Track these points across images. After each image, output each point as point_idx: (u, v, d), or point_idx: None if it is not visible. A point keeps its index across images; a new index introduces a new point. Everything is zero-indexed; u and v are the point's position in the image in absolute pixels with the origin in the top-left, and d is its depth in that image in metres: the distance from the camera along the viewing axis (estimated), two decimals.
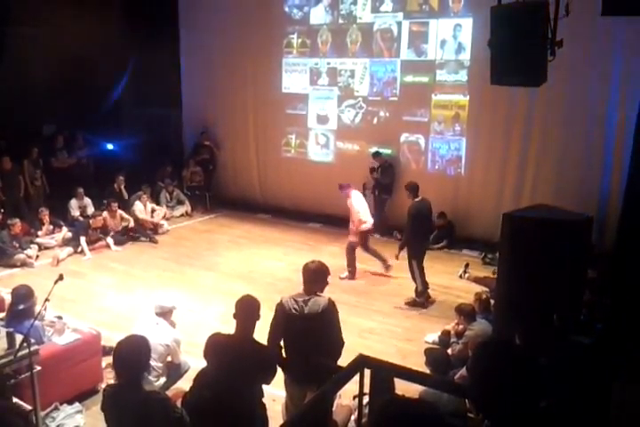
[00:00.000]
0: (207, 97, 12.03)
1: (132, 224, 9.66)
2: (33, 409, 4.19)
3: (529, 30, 4.04)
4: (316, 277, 3.96)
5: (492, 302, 5.84)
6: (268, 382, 3.59)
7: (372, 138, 10.26)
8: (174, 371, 4.76)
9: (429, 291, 7.25)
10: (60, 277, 4.09)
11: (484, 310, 5.78)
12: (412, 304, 7.13)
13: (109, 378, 4.97)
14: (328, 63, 10.59)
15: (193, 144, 12.29)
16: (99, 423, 3.71)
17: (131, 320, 5.64)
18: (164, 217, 10.54)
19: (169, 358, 4.74)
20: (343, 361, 3.93)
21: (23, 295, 4.79)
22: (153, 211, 10.33)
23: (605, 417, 3.53)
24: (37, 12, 9.78)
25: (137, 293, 7.35)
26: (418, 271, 7.16)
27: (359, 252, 8.00)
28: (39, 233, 9.18)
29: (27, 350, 4.05)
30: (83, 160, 10.98)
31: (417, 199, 7.22)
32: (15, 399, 4.34)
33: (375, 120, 10.26)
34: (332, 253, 9.02)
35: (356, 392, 3.53)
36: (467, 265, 8.12)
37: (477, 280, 7.78)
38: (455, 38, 9.26)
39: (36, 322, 4.39)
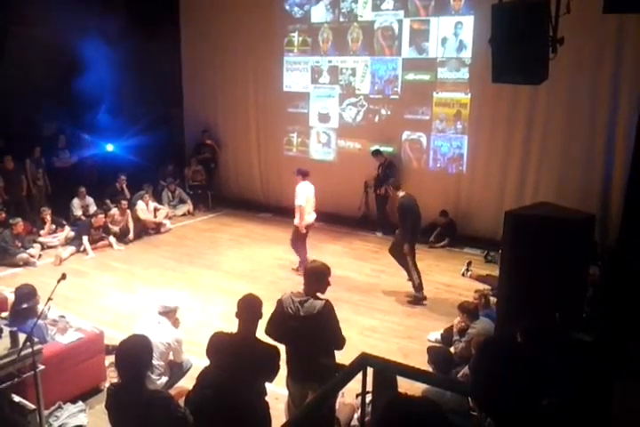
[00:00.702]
0: (208, 96, 12.03)
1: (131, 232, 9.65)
2: (36, 408, 4.20)
3: (530, 28, 4.03)
4: (315, 277, 3.92)
5: (495, 299, 5.85)
6: (270, 381, 3.60)
7: (373, 136, 10.26)
8: (177, 370, 4.77)
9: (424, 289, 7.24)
10: (63, 277, 4.10)
11: (485, 306, 5.80)
12: (415, 301, 7.13)
13: (112, 377, 4.97)
14: (329, 61, 10.59)
15: (194, 143, 12.31)
16: (102, 422, 3.72)
17: (133, 319, 5.65)
18: (167, 216, 10.55)
19: (171, 357, 4.75)
20: (346, 360, 3.94)
21: (26, 294, 4.81)
22: (155, 210, 10.34)
23: (606, 416, 3.53)
24: (39, 11, 9.77)
25: (139, 292, 7.36)
26: (412, 266, 7.17)
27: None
28: (41, 232, 9.20)
29: (30, 349, 4.07)
30: (84, 160, 10.99)
31: (401, 194, 7.25)
32: (19, 398, 4.36)
33: (377, 118, 10.26)
34: (333, 252, 9.04)
35: (359, 391, 3.54)
36: (469, 263, 8.13)
37: (479, 278, 7.79)
38: (456, 36, 9.25)
39: (39, 321, 4.40)
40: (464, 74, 9.26)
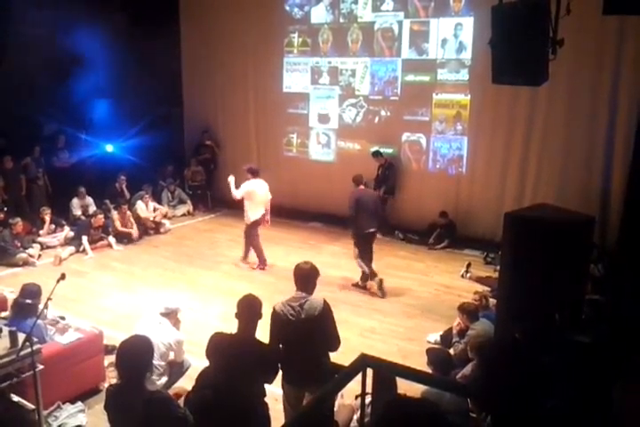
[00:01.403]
0: (208, 96, 12.04)
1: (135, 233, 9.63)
2: (35, 408, 4.20)
3: (530, 29, 4.03)
4: (306, 278, 3.94)
5: (494, 301, 5.85)
6: (270, 382, 3.60)
7: (373, 137, 10.26)
8: (176, 369, 4.77)
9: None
10: (63, 277, 4.10)
11: (484, 307, 5.80)
12: (357, 285, 7.59)
13: (112, 377, 4.97)
14: (329, 62, 10.59)
15: (194, 144, 12.31)
16: (101, 422, 3.72)
17: (132, 319, 5.64)
18: (166, 216, 10.55)
19: (171, 357, 4.75)
20: (345, 361, 3.94)
21: (32, 292, 4.84)
22: (155, 210, 10.35)
23: (606, 417, 3.53)
24: (39, 11, 9.78)
25: (138, 292, 7.36)
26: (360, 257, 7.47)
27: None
28: (41, 232, 9.20)
29: (29, 349, 4.07)
30: (84, 160, 10.98)
31: (357, 189, 7.50)
32: (18, 398, 4.35)
33: (376, 119, 10.26)
34: (332, 253, 9.05)
35: (359, 392, 3.54)
36: (468, 265, 8.13)
37: (479, 280, 7.79)
38: (456, 37, 9.26)
39: (39, 321, 4.40)
40: (464, 75, 9.27)
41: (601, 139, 8.25)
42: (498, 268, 7.21)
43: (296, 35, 10.84)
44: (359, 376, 3.24)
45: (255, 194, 8.18)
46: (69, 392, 4.75)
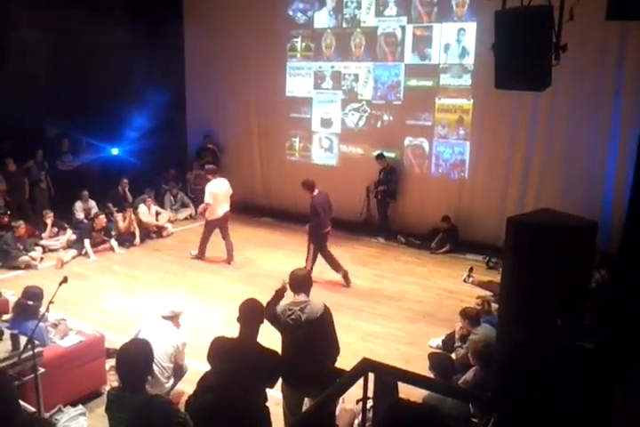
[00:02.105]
0: (211, 100, 12.07)
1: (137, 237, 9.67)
2: (36, 411, 4.19)
3: (533, 34, 4.03)
4: (304, 283, 4.08)
5: (496, 306, 5.83)
6: (271, 386, 3.59)
7: (375, 141, 10.27)
8: (176, 373, 4.78)
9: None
10: (65, 280, 4.10)
11: (487, 312, 5.78)
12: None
13: (113, 380, 4.96)
14: (332, 67, 10.62)
15: (197, 147, 12.33)
16: (102, 426, 3.71)
17: (134, 323, 5.64)
18: (169, 220, 10.56)
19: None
20: (347, 365, 3.94)
21: (34, 294, 4.87)
22: (157, 214, 10.36)
23: (607, 421, 3.51)
24: (41, 14, 9.82)
25: (140, 295, 7.36)
26: (312, 257, 7.80)
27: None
28: (43, 235, 9.21)
29: (31, 352, 4.07)
30: (87, 163, 11.01)
31: (315, 193, 7.86)
32: (19, 401, 4.35)
33: (379, 124, 10.27)
34: None
35: (360, 396, 3.53)
36: (471, 269, 8.12)
37: (481, 284, 7.77)
38: (459, 42, 9.28)
39: (40, 324, 4.40)
40: (466, 80, 9.28)
41: (604, 143, 8.25)
42: (500, 272, 7.21)
43: (299, 39, 10.87)
44: (361, 381, 3.23)
45: (219, 194, 8.64)
46: (71, 395, 4.74)
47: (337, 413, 4.14)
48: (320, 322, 3.86)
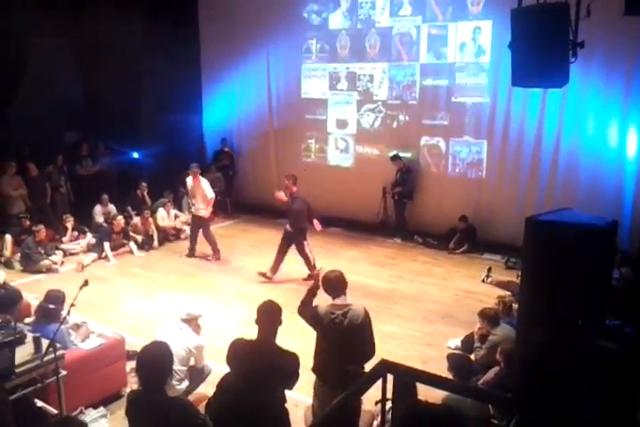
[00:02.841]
0: (227, 103, 12.14)
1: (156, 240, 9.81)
2: (58, 413, 4.24)
3: (550, 32, 3.99)
4: (340, 285, 4.07)
5: (517, 306, 5.77)
6: (290, 388, 3.59)
7: (391, 142, 10.25)
8: (196, 375, 4.79)
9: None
10: (86, 283, 4.15)
11: (507, 314, 5.72)
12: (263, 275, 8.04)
13: (133, 383, 5.01)
14: (347, 68, 10.61)
15: (213, 150, 12.40)
16: None
17: (154, 325, 5.68)
18: (187, 223, 10.62)
19: (192, 363, 4.77)
20: (366, 366, 3.93)
21: (56, 297, 4.92)
22: (176, 217, 10.45)
23: (630, 423, 3.46)
24: (59, 21, 9.96)
25: (159, 297, 7.42)
26: (281, 255, 8.02)
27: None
28: (64, 239, 9.33)
29: (53, 355, 4.12)
30: (106, 168, 11.13)
31: (295, 189, 8.06)
32: (41, 403, 4.41)
33: (395, 124, 10.24)
34: (350, 258, 9.03)
35: (378, 397, 3.52)
36: (489, 269, 8.06)
37: (500, 284, 7.71)
38: (475, 41, 9.22)
39: (62, 327, 4.45)
40: (482, 79, 9.22)
41: (623, 142, 8.14)
42: (519, 272, 7.14)
43: (314, 41, 10.89)
44: (379, 382, 3.22)
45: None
46: (92, 397, 4.79)
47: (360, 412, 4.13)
48: (361, 327, 3.96)
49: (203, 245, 9.51)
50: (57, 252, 8.82)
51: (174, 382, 4.53)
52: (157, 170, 11.17)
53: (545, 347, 3.74)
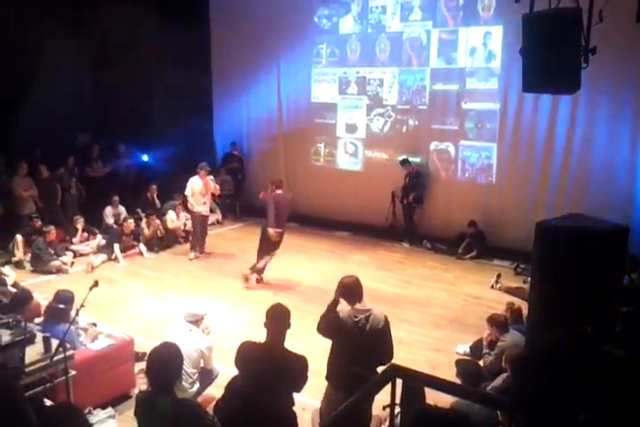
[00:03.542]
0: (237, 107, 12.20)
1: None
2: None
3: (562, 37, 3.99)
4: (360, 289, 4.09)
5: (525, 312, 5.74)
6: (298, 391, 3.60)
7: (400, 146, 10.25)
8: (205, 377, 4.80)
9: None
10: (96, 284, 4.18)
11: (516, 320, 5.69)
12: (245, 279, 7.99)
13: (142, 384, 5.03)
14: (357, 72, 10.64)
15: (223, 153, 12.45)
16: None
17: (162, 326, 5.70)
18: None
19: (201, 364, 4.78)
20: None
21: (65, 297, 4.96)
22: (186, 219, 10.49)
23: None
24: (71, 24, 10.06)
25: (168, 299, 7.44)
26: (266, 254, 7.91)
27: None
28: (74, 240, 9.38)
29: (62, 355, 4.14)
30: (124, 169, 11.20)
31: (279, 192, 7.86)
32: (50, 403, 4.43)
33: (404, 129, 10.25)
34: (359, 262, 9.03)
35: (385, 402, 3.51)
36: (498, 275, 8.02)
37: (509, 291, 7.68)
38: (485, 46, 9.22)
39: (71, 327, 4.48)
40: (493, 84, 9.21)
41: (634, 147, 8.10)
42: (529, 278, 7.11)
43: (324, 45, 10.93)
44: (387, 387, 3.21)
45: (196, 190, 9.22)
46: (100, 398, 4.81)
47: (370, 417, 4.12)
48: (382, 332, 3.99)
49: (210, 245, 9.57)
50: (67, 253, 8.88)
51: (187, 385, 4.54)
52: (167, 172, 11.23)
53: (553, 351, 3.73)
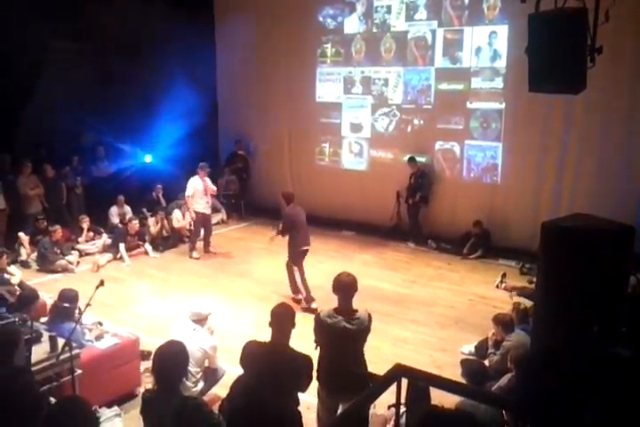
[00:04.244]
0: (242, 107, 12.20)
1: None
2: None
3: (568, 37, 3.98)
4: (354, 289, 4.05)
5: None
6: (303, 390, 3.60)
7: (405, 146, 10.24)
8: (211, 376, 4.81)
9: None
10: (101, 283, 4.20)
11: (522, 320, 5.68)
12: (307, 310, 6.88)
13: (147, 382, 5.05)
14: (362, 72, 10.63)
15: (228, 153, 12.47)
16: None
17: (167, 325, 5.72)
18: None
19: (206, 364, 4.79)
20: (377, 370, 3.92)
21: (70, 296, 4.98)
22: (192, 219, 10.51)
23: None
24: (78, 26, 10.08)
25: (173, 298, 7.47)
26: (297, 275, 7.32)
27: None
28: (79, 239, 9.42)
29: (68, 354, 4.16)
30: (123, 170, 11.24)
31: (290, 206, 7.48)
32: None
33: (409, 128, 10.24)
34: (364, 262, 9.03)
35: (390, 402, 3.52)
36: (504, 275, 8.01)
37: (515, 290, 7.65)
38: (490, 45, 9.20)
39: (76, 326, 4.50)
40: (498, 83, 9.19)
41: (639, 147, 8.07)
42: (534, 278, 7.09)
43: (329, 45, 10.93)
44: (392, 387, 3.21)
45: (197, 189, 9.27)
46: (106, 397, 4.82)
47: (369, 418, 4.12)
48: (366, 330, 3.99)
49: (215, 244, 9.59)
50: (73, 252, 8.92)
51: (190, 384, 4.55)
52: (173, 172, 11.25)
53: (559, 351, 3.72)
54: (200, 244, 9.50)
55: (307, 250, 7.42)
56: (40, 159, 10.03)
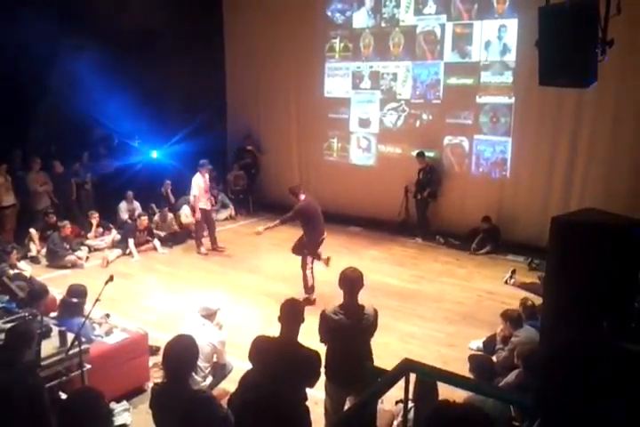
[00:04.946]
0: (251, 102, 12.21)
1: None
2: None
3: (578, 30, 3.93)
4: (357, 284, 4.05)
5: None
6: (311, 386, 3.60)
7: (414, 141, 10.20)
8: (219, 371, 4.83)
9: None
10: (111, 278, 4.22)
11: (530, 316, 5.65)
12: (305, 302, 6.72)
13: (156, 377, 5.08)
14: (370, 67, 10.59)
15: (236, 148, 12.48)
16: (145, 422, 3.79)
17: (176, 320, 5.75)
18: None
19: (214, 359, 4.81)
20: (385, 365, 3.91)
21: (78, 291, 5.02)
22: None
23: None
24: (87, 24, 10.10)
25: (182, 294, 7.49)
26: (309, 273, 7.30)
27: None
28: (89, 235, 9.47)
29: (77, 349, 4.19)
30: (132, 165, 11.26)
31: (302, 199, 7.34)
32: (65, 396, 4.48)
33: (418, 123, 10.19)
34: (372, 257, 9.02)
35: (398, 397, 3.52)
36: (513, 271, 7.96)
37: (523, 286, 7.62)
38: (500, 39, 9.13)
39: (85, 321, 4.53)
40: (508, 77, 9.12)
41: None
42: (541, 274, 7.05)
43: (337, 40, 10.89)
44: (400, 382, 3.21)
45: (201, 187, 9.26)
46: (115, 391, 4.83)
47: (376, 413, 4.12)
48: (373, 324, 4.03)
49: (223, 240, 9.61)
50: (82, 247, 8.97)
51: (199, 379, 4.58)
52: (181, 168, 11.27)
53: (569, 346, 3.70)
54: (207, 240, 9.51)
55: (324, 239, 7.47)
56: (50, 155, 10.07)
